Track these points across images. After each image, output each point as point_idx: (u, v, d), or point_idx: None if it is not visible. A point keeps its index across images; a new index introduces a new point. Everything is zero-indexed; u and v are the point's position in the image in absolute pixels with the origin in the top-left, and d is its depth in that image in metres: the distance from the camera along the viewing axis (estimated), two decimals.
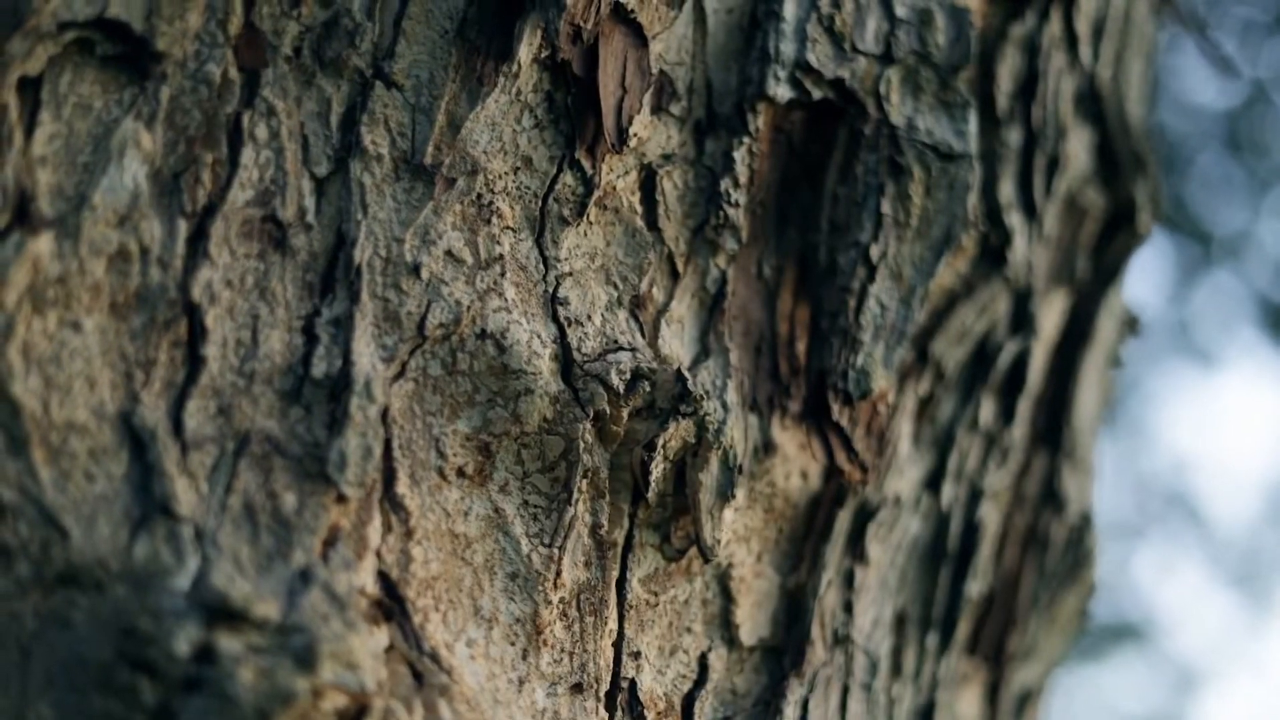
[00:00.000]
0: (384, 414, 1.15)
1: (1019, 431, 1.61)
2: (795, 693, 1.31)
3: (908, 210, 1.36)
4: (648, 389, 1.23)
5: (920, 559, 1.50)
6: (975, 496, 1.54)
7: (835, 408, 1.34)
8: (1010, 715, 1.70)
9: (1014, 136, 1.50)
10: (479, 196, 1.21)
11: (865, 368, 1.35)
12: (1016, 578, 1.66)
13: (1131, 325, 1.87)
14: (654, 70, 1.29)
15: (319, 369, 1.14)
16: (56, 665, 1.02)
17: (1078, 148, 1.62)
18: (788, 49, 1.32)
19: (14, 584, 1.04)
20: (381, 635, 1.11)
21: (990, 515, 1.58)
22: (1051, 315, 1.66)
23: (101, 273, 1.11)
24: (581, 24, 1.23)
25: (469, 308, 1.19)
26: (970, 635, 1.63)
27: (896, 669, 1.47)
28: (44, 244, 1.09)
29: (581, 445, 1.22)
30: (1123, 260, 1.72)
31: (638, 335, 1.27)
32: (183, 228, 1.13)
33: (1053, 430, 1.68)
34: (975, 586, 1.55)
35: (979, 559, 1.54)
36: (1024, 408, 1.61)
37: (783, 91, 1.32)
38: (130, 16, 1.13)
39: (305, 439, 1.12)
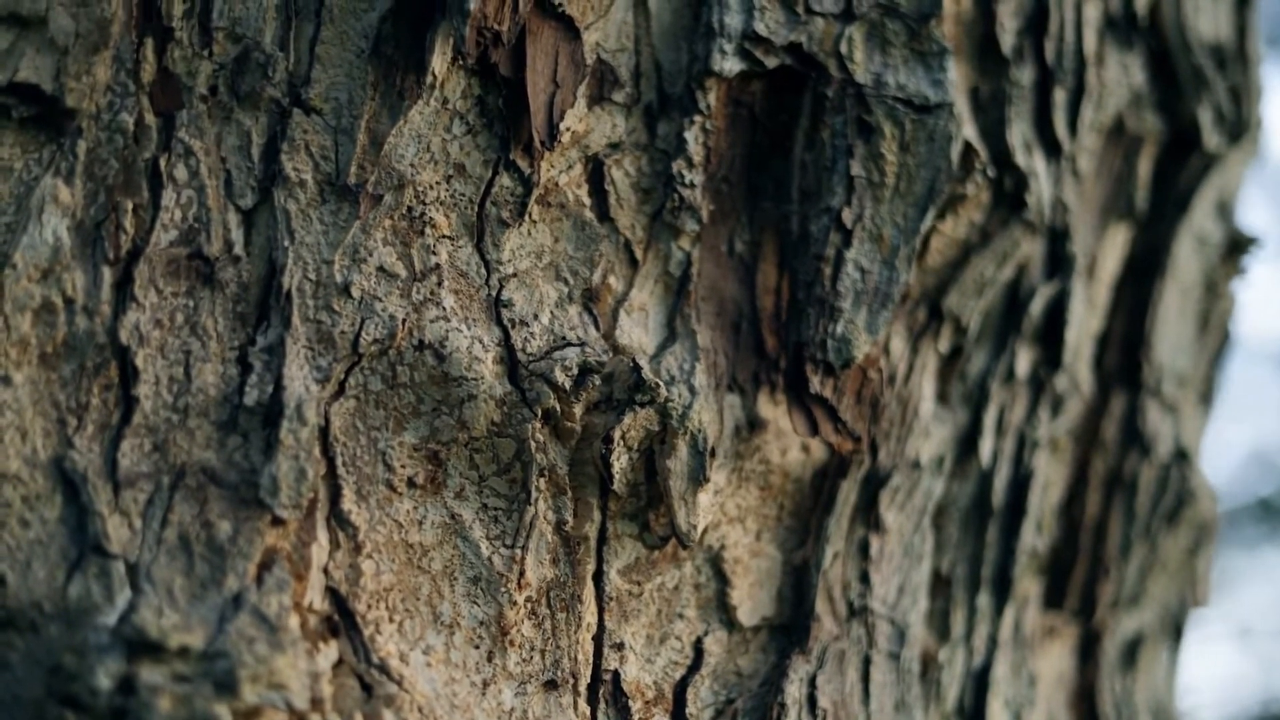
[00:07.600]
0: (324, 434, 1.18)
1: (1082, 374, 1.55)
2: (800, 670, 1.30)
3: (882, 169, 1.32)
4: (598, 382, 1.23)
5: (963, 518, 1.46)
6: (1024, 448, 1.49)
7: (815, 380, 1.32)
8: (1117, 665, 1.64)
9: (1025, 75, 1.44)
10: (409, 209, 1.23)
11: (846, 335, 1.31)
12: (1102, 524, 1.60)
13: (1239, 246, 1.78)
14: (588, 61, 1.28)
15: (251, 397, 1.17)
16: None
17: (1120, 73, 1.54)
18: (734, 21, 1.30)
19: None
20: (330, 651, 1.14)
21: (1049, 466, 1.53)
22: (1112, 251, 1.59)
23: (28, 327, 1.16)
24: (497, 26, 1.23)
25: (404, 321, 1.21)
26: (1051, 589, 1.58)
27: (944, 633, 1.44)
28: None
29: (533, 445, 1.22)
30: (1195, 184, 1.63)
31: (590, 329, 1.26)
32: (107, 274, 1.18)
33: (1130, 368, 1.61)
34: (1036, 540, 1.50)
35: (1036, 511, 1.49)
36: (1085, 350, 1.55)
37: (730, 65, 1.30)
38: (40, 78, 1.17)
39: (242, 467, 1.16)
